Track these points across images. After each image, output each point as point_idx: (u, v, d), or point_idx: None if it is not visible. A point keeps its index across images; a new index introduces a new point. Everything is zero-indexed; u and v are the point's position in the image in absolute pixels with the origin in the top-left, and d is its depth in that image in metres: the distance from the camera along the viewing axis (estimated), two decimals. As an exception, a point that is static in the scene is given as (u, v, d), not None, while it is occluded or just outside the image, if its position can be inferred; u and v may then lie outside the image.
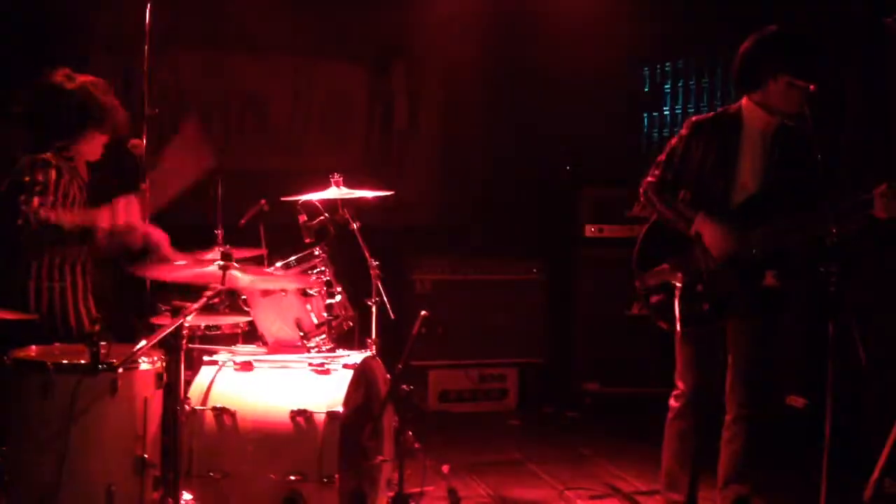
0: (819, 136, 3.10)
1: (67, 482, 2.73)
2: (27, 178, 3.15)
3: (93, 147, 3.43)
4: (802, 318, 4.55)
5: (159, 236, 3.46)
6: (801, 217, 3.21)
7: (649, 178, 3.52)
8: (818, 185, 3.11)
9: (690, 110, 5.94)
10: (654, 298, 3.49)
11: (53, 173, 3.19)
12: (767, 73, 3.30)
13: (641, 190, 3.53)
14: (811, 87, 3.14)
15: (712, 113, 3.50)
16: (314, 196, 3.86)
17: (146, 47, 3.77)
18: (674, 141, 3.51)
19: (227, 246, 3.18)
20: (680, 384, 3.56)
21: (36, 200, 3.07)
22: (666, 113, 6.22)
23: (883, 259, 4.59)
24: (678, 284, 3.36)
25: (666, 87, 6.22)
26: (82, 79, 3.36)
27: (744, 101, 3.42)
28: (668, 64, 6.18)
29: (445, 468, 4.11)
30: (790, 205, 3.31)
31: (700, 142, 3.42)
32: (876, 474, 3.38)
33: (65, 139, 3.31)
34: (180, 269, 3.16)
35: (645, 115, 6.36)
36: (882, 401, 4.11)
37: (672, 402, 3.57)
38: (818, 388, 2.86)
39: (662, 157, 3.52)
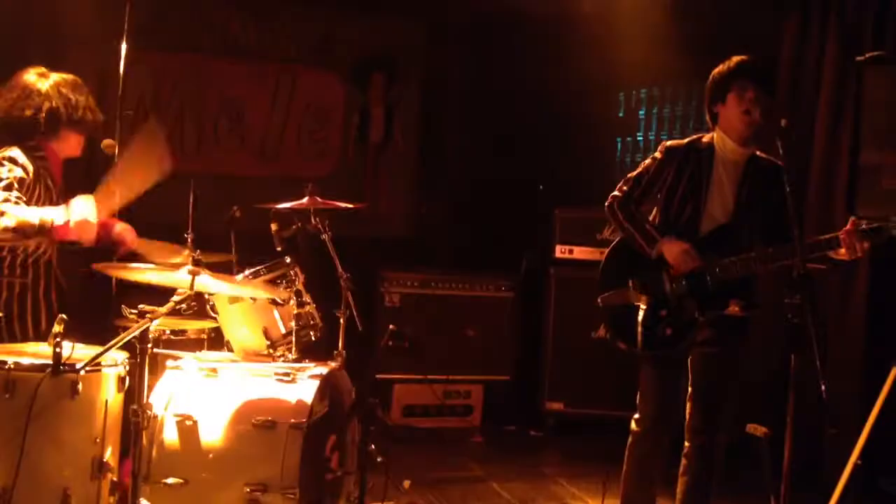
0: (790, 168, 3.13)
1: (23, 483, 2.69)
2: None
3: (69, 146, 3.37)
4: (767, 348, 4.60)
5: (122, 231, 3.40)
6: (768, 249, 3.25)
7: (616, 192, 3.52)
8: (787, 218, 3.15)
9: (663, 136, 6.02)
10: (614, 318, 3.51)
11: (19, 171, 3.14)
12: (719, 98, 3.38)
13: (607, 203, 3.53)
14: (783, 121, 3.17)
15: (687, 140, 3.53)
16: (287, 205, 3.85)
17: (123, 47, 3.75)
18: (647, 161, 3.53)
19: (198, 251, 3.16)
20: (641, 408, 3.57)
21: None
22: (639, 138, 6.29)
23: (847, 289, 4.67)
24: (642, 307, 3.38)
25: (640, 112, 6.29)
26: (56, 78, 3.30)
27: (716, 132, 3.47)
28: (643, 90, 6.26)
29: (406, 483, 4.09)
30: (758, 236, 3.36)
31: (672, 167, 3.45)
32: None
33: (37, 139, 3.27)
34: (147, 271, 3.12)
35: (618, 139, 6.43)
36: (842, 431, 4.18)
37: (633, 427, 3.58)
38: (780, 418, 2.89)
39: (634, 174, 3.53)
